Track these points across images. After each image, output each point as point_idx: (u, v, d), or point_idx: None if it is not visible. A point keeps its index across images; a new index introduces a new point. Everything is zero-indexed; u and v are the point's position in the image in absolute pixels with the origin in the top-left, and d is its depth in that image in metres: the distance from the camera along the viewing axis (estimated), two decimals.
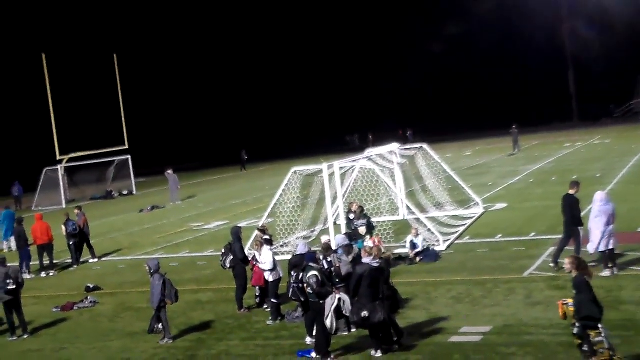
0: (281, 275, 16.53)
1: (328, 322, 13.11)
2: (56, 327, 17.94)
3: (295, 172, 23.46)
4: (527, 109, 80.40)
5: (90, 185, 56.17)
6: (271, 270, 16.45)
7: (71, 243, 25.75)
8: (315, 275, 13.40)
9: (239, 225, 19.60)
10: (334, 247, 15.73)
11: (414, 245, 20.59)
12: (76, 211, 27.46)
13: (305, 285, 13.52)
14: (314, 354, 13.54)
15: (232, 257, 17.46)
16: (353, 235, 19.50)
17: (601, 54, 76.65)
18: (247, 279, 17.44)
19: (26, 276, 23.20)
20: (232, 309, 17.46)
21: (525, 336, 13.41)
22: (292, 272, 14.23)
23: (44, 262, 25.24)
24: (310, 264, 13.70)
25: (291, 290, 14.08)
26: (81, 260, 26.35)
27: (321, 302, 13.35)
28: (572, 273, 10.89)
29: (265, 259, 16.54)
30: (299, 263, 14.29)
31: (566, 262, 11.15)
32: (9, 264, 17.84)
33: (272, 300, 16.34)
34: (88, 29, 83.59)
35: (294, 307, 15.86)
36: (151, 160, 75.95)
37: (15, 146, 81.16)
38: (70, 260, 26.30)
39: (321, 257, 14.54)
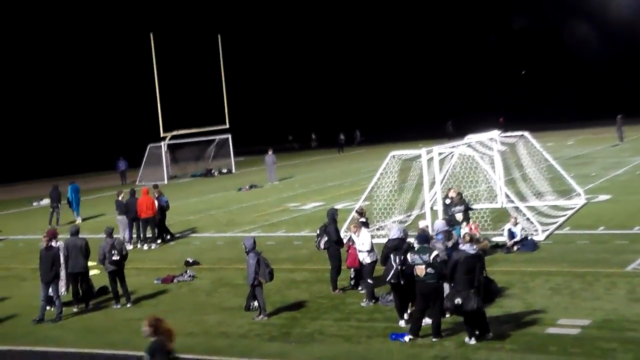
0: (377, 258, 16.57)
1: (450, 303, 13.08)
2: (157, 299, 18.54)
3: (393, 157, 23.41)
4: (636, 98, 77.50)
5: (191, 163, 57.48)
6: (368, 252, 16.50)
7: (159, 218, 26.36)
8: (438, 255, 13.48)
9: (335, 207, 19.72)
10: (433, 232, 15.66)
11: (512, 234, 20.27)
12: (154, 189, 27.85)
13: (420, 265, 13.42)
14: (407, 338, 13.56)
15: (326, 239, 17.61)
16: (450, 222, 19.34)
17: None
18: (342, 260, 17.57)
19: (129, 247, 24.00)
20: (327, 289, 17.63)
21: (628, 332, 13.05)
22: (392, 255, 14.24)
23: (147, 235, 26.06)
24: (424, 245, 13.70)
25: (392, 273, 14.10)
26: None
27: (439, 282, 13.35)
28: None
29: (363, 240, 16.60)
30: (398, 246, 14.31)
31: None
32: (115, 236, 18.53)
33: (368, 281, 16.43)
34: (194, 9, 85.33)
35: (388, 290, 15.88)
36: (251, 140, 77.18)
37: (122, 122, 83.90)
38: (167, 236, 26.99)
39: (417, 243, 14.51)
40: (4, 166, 75.85)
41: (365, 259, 16.53)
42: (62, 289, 18.03)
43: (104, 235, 18.30)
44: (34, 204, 43.46)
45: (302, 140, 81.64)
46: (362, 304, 16.17)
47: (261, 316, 15.85)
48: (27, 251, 26.25)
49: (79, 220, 33.21)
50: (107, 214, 34.50)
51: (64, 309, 17.65)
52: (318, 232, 17.94)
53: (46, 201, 43.42)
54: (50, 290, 17.09)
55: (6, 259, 26.10)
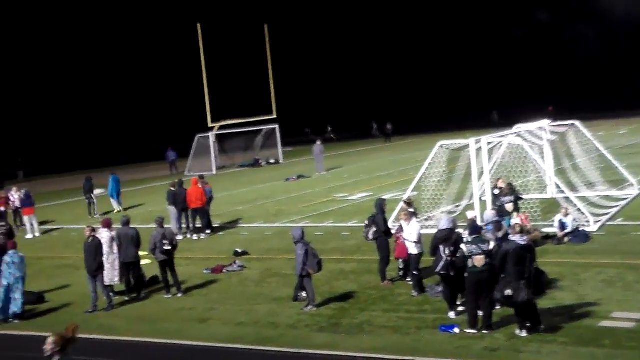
0: (424, 250, 16.51)
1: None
2: (207, 288, 18.74)
3: (441, 146, 23.28)
4: None
5: (238, 153, 57.82)
6: (416, 243, 16.46)
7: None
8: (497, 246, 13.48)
9: (383, 198, 19.72)
10: (482, 223, 15.55)
11: (562, 225, 20.02)
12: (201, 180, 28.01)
13: (479, 256, 13.34)
14: (456, 330, 13.51)
15: (375, 229, 17.59)
16: (500, 212, 19.17)
17: None
18: (390, 251, 17.55)
19: (178, 237, 24.28)
20: (375, 280, 17.63)
21: None
22: (441, 246, 14.19)
23: (197, 225, 26.34)
24: (479, 236, 13.64)
25: (442, 264, 14.06)
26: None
27: (492, 273, 13.32)
28: None
29: (412, 230, 16.55)
30: (447, 237, 14.25)
31: None
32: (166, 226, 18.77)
33: (414, 272, 16.40)
34: (241, 0, 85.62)
35: (437, 281, 15.82)
36: (298, 130, 77.32)
37: (171, 113, 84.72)
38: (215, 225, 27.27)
39: (467, 233, 14.43)
40: (58, 157, 77.31)
41: (414, 250, 16.50)
42: (116, 278, 18.36)
43: (155, 225, 18.57)
44: (96, 192, 44.12)
45: (344, 131, 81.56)
46: (414, 295, 16.15)
47: (310, 307, 15.93)
48: (79, 240, 26.51)
49: (118, 210, 33.92)
50: (146, 204, 34.97)
51: (116, 297, 18.02)
52: (366, 222, 17.93)
53: (99, 191, 44.15)
54: (96, 280, 17.36)
55: (61, 248, 26.63)
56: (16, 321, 17.04)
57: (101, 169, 61.00)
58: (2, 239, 20.87)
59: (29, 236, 29.12)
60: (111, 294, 18.18)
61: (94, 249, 17.36)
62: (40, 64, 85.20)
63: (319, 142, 45.83)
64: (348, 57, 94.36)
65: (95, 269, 17.30)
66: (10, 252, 17.22)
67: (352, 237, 23.27)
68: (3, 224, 21.77)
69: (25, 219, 29.80)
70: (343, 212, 28.81)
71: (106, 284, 18.11)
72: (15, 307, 17.03)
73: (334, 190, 35.35)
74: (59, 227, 31.58)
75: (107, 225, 18.63)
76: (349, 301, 16.32)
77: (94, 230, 17.80)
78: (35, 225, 29.65)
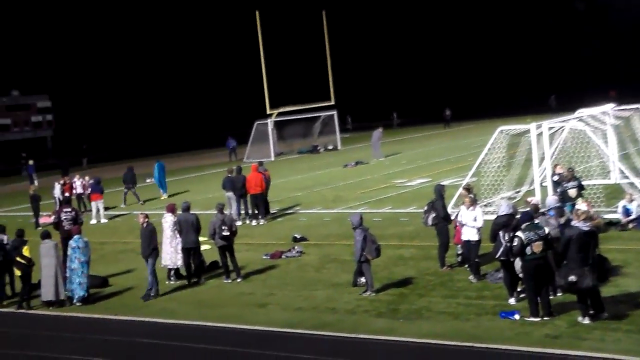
0: (482, 236, 16.35)
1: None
2: (266, 274, 18.90)
3: (501, 131, 22.99)
4: None
5: (297, 140, 57.99)
6: (477, 229, 16.30)
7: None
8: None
9: (442, 183, 19.57)
10: (544, 209, 15.32)
11: (627, 211, 19.60)
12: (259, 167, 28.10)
13: (538, 242, 13.19)
14: (517, 316, 13.37)
15: (434, 215, 17.50)
16: (562, 198, 18.87)
17: None
18: (450, 237, 17.43)
19: (238, 223, 24.52)
20: (434, 266, 17.55)
21: None
22: (501, 232, 14.03)
23: (255, 211, 26.55)
24: (534, 222, 13.46)
25: (501, 250, 13.91)
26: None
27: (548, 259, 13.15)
28: None
29: (476, 216, 16.39)
30: (507, 223, 14.08)
31: None
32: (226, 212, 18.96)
33: (475, 259, 16.26)
34: None
35: (497, 267, 15.66)
36: (356, 116, 77.20)
37: (230, 100, 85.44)
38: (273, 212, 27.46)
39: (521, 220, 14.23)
40: (121, 145, 78.72)
41: (474, 236, 16.34)
42: (179, 261, 18.66)
43: (215, 211, 18.79)
44: (147, 180, 44.85)
45: (407, 116, 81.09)
46: (473, 281, 16.02)
47: (368, 292, 15.93)
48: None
49: (164, 197, 34.60)
50: (206, 190, 35.32)
51: (177, 281, 18.34)
52: (425, 208, 17.84)
53: (151, 180, 44.83)
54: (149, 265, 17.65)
55: (124, 233, 27.12)
56: (80, 304, 17.45)
57: (162, 156, 61.87)
58: (68, 224, 21.38)
59: (94, 221, 29.71)
60: (172, 278, 18.49)
61: (148, 235, 17.64)
62: (106, 55, 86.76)
63: (378, 129, 45.73)
64: (406, 43, 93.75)
65: (148, 254, 17.58)
66: (76, 237, 17.63)
67: (410, 223, 23.17)
68: (69, 209, 22.23)
69: (93, 204, 30.40)
70: (401, 198, 28.70)
71: (169, 267, 18.44)
72: (81, 290, 17.44)
73: (392, 176, 35.22)
74: (123, 213, 32.16)
75: (172, 210, 18.97)
76: (408, 287, 16.27)
77: (147, 216, 18.09)
78: (101, 211, 30.20)
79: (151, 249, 17.60)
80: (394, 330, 13.57)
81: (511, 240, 13.61)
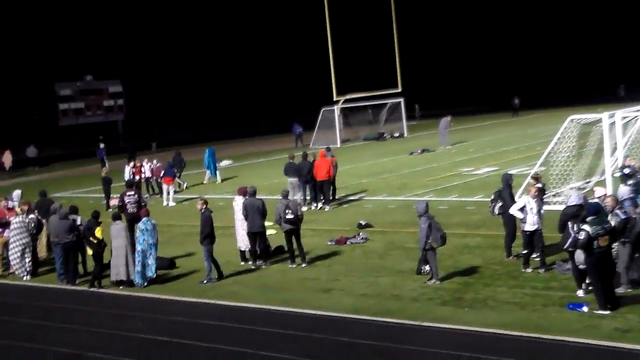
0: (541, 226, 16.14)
1: None
2: (330, 259, 18.95)
3: (572, 120, 22.55)
4: None
5: (363, 126, 57.91)
6: (538, 219, 16.08)
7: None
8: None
9: (510, 172, 19.31)
10: (619, 199, 15.01)
11: None
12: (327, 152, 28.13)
13: (605, 236, 12.94)
14: (585, 308, 13.13)
15: (501, 204, 17.29)
16: (636, 189, 18.42)
17: None
18: (517, 226, 17.20)
19: (303, 209, 24.64)
20: (500, 255, 17.35)
21: None
22: (570, 223, 13.78)
23: (320, 197, 26.64)
24: (600, 216, 13.20)
25: (570, 240, 13.66)
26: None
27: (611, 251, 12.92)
28: None
29: (539, 206, 16.14)
30: (577, 213, 13.83)
31: None
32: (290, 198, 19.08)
33: (533, 250, 16.08)
34: None
35: (565, 257, 15.39)
36: (423, 104, 76.64)
37: (296, 86, 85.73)
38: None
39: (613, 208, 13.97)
40: (189, 129, 79.75)
41: (536, 225, 16.09)
42: (245, 245, 18.88)
43: (280, 197, 18.93)
44: (220, 163, 45.39)
45: (475, 105, 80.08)
46: (539, 271, 15.80)
47: (433, 280, 15.85)
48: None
49: (218, 181, 35.59)
50: (272, 176, 35.49)
51: (242, 263, 18.57)
52: (492, 197, 17.65)
53: (225, 162, 45.36)
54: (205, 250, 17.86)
55: (190, 216, 27.48)
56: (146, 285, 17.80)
57: (229, 141, 62.70)
58: (132, 207, 21.78)
59: (165, 204, 30.19)
60: (250, 260, 18.67)
61: (202, 221, 17.83)
62: (177, 40, 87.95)
63: (447, 117, 45.35)
64: (476, 31, 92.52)
65: (202, 241, 17.78)
66: (144, 219, 17.95)
67: (477, 211, 22.94)
68: (132, 192, 22.61)
69: (164, 187, 30.93)
70: (468, 186, 28.42)
71: (242, 249, 18.66)
72: (149, 271, 17.78)
73: (459, 165, 34.90)
74: (192, 197, 32.61)
75: (243, 193, 19.19)
76: (473, 276, 16.13)
77: (205, 202, 18.27)
78: (171, 195, 30.64)
79: (204, 235, 17.75)
80: (458, 318, 13.47)
81: (578, 232, 13.36)
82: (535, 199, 16.21)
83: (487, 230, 20.19)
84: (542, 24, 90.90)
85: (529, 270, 15.91)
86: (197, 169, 39.90)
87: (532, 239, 16.20)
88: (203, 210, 17.96)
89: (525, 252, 16.13)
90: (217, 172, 36.55)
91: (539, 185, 17.41)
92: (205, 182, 36.08)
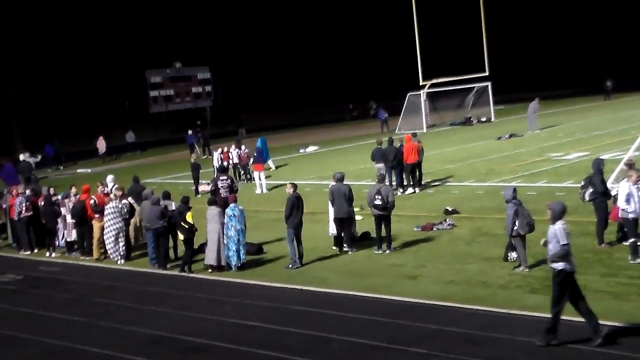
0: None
1: None
2: (417, 246, 18.89)
3: None
4: None
5: (449, 111, 57.27)
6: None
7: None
8: None
9: (601, 157, 18.84)
10: None
11: None
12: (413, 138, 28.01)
13: None
14: None
15: (592, 190, 16.92)
16: None
17: None
18: (608, 213, 16.78)
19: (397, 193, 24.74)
20: (592, 243, 16.97)
21: None
22: None
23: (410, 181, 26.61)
24: None
25: None
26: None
27: None
28: None
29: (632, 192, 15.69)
30: None
31: None
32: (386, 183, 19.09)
33: (631, 238, 15.62)
34: None
35: None
36: (511, 87, 75.21)
37: (382, 71, 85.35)
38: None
39: None
40: (278, 116, 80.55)
41: (632, 213, 15.64)
42: (331, 230, 19.04)
43: (373, 182, 19.00)
44: (301, 150, 45.81)
45: (565, 87, 78.04)
46: (630, 261, 15.38)
47: (522, 267, 15.63)
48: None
49: (273, 169, 36.13)
50: (358, 161, 35.44)
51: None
52: (582, 183, 17.28)
53: (312, 148, 45.68)
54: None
55: (278, 202, 27.77)
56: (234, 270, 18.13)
57: (304, 128, 63.02)
58: (225, 192, 22.20)
59: (258, 191, 30.44)
60: (344, 245, 18.76)
61: (286, 205, 18.01)
62: (263, 27, 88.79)
63: (535, 100, 44.44)
64: (565, 11, 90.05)
65: (286, 223, 17.96)
66: (232, 205, 18.25)
67: (566, 197, 22.34)
68: (225, 177, 23.04)
69: (255, 174, 31.26)
70: (557, 172, 27.82)
71: (333, 234, 18.85)
72: (237, 257, 18.08)
73: (548, 150, 34.18)
74: (282, 182, 32.96)
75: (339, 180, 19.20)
76: None
77: (294, 186, 18.42)
78: (263, 181, 30.78)
79: (286, 217, 17.94)
80: (548, 307, 13.17)
81: None
82: (636, 186, 15.72)
83: (577, 216, 19.70)
84: (636, 4, 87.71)
85: (639, 260, 15.41)
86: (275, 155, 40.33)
87: (628, 226, 15.79)
88: (290, 194, 18.17)
89: (632, 240, 15.63)
90: (271, 160, 36.74)
91: (632, 172, 16.90)
92: (273, 167, 36.45)
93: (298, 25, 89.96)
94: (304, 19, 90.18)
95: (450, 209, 22.29)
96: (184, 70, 75.33)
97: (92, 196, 21.20)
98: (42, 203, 22.31)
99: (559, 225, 11.66)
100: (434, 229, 20.36)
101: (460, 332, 12.60)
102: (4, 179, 35.96)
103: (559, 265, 11.62)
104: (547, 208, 11.97)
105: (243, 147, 34.36)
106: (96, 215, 20.70)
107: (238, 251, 17.99)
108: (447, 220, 20.94)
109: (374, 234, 19.15)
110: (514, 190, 15.93)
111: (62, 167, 49.89)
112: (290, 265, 17.84)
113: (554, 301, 11.59)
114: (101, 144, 52.27)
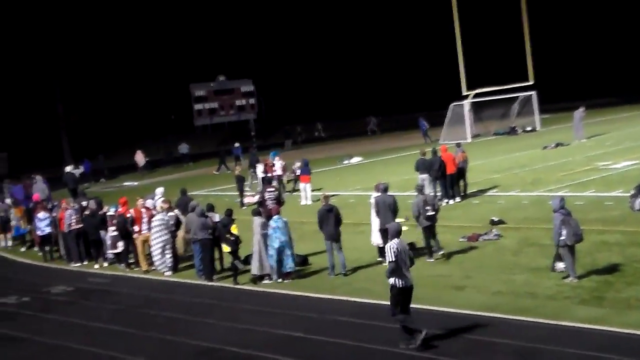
0: None
1: None
2: (463, 256, 18.75)
3: None
4: None
5: (493, 121, 56.75)
6: None
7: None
8: None
9: None
10: None
11: None
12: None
13: None
14: None
15: None
16: None
17: None
18: None
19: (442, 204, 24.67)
20: None
21: None
22: None
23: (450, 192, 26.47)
24: None
25: None
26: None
27: None
28: None
29: None
30: None
31: None
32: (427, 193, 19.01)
33: None
34: None
35: None
36: (557, 96, 74.38)
37: (425, 82, 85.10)
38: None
39: None
40: (320, 127, 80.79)
41: None
42: (376, 241, 18.99)
43: (415, 193, 18.93)
44: (345, 161, 45.86)
45: (603, 96, 76.85)
46: None
47: (570, 278, 15.41)
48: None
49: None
50: (402, 172, 35.33)
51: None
52: (632, 192, 17.04)
53: (356, 159, 45.69)
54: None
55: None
56: (282, 280, 18.18)
57: (358, 137, 62.98)
58: (272, 203, 22.32)
59: (303, 202, 30.46)
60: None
61: (326, 215, 18.06)
62: (306, 39, 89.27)
63: (581, 109, 43.83)
64: (609, 19, 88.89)
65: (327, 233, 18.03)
66: (275, 217, 18.30)
67: (615, 207, 22.07)
68: (272, 189, 23.18)
69: (301, 186, 31.31)
70: (605, 181, 27.40)
71: (379, 245, 18.71)
72: (284, 268, 18.16)
73: (596, 158, 33.68)
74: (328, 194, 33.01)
75: (382, 189, 19.14)
76: (614, 274, 15.55)
77: (326, 197, 18.46)
78: (309, 193, 30.76)
79: (320, 227, 18.06)
80: (599, 319, 13.02)
81: None
82: None
83: (626, 226, 19.41)
84: None
85: None
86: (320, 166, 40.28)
87: None
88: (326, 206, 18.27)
89: None
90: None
91: None
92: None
93: (339, 37, 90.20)
94: (345, 31, 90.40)
95: (496, 219, 22.08)
96: (227, 84, 76.10)
97: (131, 210, 21.48)
98: (85, 215, 22.74)
99: (390, 243, 12.82)
100: (480, 239, 20.18)
101: (508, 344, 12.45)
102: (14, 197, 32.99)
103: (391, 281, 12.81)
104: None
105: (303, 158, 34.25)
106: (135, 229, 20.96)
107: (281, 261, 18.03)
108: (493, 230, 20.74)
109: (419, 245, 19.07)
110: (562, 199, 15.73)
111: (104, 180, 50.73)
112: (329, 273, 17.88)
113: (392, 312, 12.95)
114: (139, 158, 52.69)
